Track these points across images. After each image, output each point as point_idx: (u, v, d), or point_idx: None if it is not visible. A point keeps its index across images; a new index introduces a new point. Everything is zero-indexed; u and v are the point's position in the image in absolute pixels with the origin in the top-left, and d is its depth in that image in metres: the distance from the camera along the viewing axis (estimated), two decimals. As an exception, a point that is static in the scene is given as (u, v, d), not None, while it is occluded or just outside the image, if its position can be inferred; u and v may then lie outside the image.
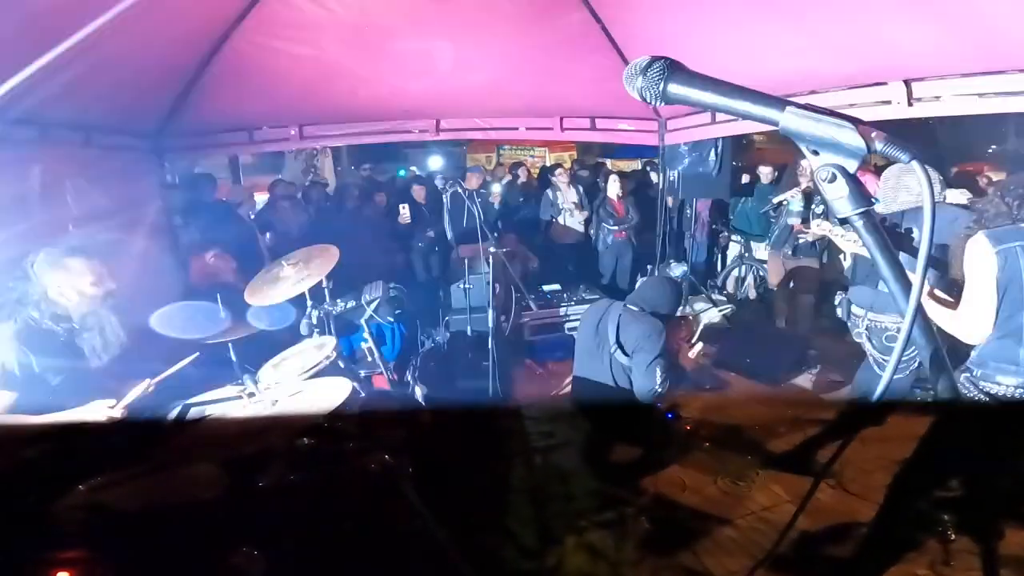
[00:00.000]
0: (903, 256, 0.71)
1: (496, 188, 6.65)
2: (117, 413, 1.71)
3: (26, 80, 2.12)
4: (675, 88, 0.68)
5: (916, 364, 2.74)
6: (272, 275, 3.07)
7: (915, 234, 2.57)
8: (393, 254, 5.89)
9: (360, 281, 4.40)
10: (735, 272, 6.34)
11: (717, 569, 2.43)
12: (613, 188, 6.19)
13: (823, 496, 2.66)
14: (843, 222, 0.94)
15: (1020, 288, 1.84)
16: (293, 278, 3.00)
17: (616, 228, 6.12)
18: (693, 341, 3.26)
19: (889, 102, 3.05)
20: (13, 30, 2.04)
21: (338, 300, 4.16)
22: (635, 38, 3.53)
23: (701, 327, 5.03)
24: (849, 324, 3.08)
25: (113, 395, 1.81)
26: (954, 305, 2.00)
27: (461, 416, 3.43)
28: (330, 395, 2.42)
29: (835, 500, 2.81)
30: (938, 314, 2.02)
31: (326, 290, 3.93)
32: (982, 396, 1.96)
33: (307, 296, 3.09)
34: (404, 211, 5.90)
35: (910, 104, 2.99)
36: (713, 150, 5.45)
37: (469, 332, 4.64)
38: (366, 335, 3.58)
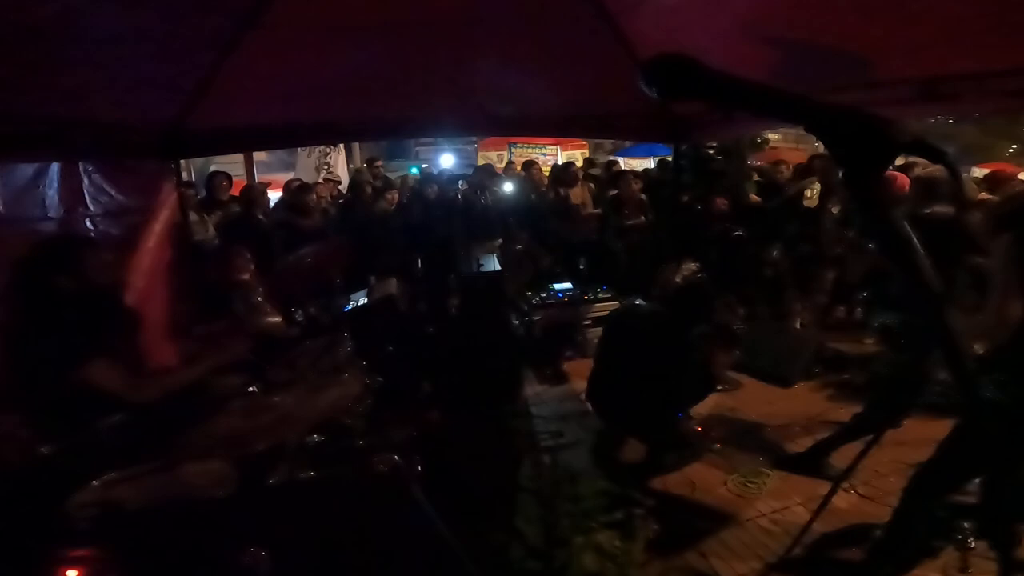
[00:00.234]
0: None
1: (508, 186, 6.65)
2: None
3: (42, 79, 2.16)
4: (691, 86, 0.65)
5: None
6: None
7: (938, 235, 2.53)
8: (405, 251, 5.91)
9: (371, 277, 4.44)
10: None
11: (725, 571, 2.42)
12: (625, 186, 6.16)
13: (834, 498, 2.63)
14: (869, 222, 0.92)
15: None
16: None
17: (629, 226, 6.08)
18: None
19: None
20: (28, 31, 2.06)
21: (350, 296, 4.21)
22: (647, 34, 3.50)
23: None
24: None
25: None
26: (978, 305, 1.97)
27: (470, 414, 3.45)
28: (341, 392, 2.45)
29: (846, 502, 2.79)
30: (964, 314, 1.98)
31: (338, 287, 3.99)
32: (1001, 398, 1.92)
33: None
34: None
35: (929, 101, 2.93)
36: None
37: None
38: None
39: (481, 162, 11.53)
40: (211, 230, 5.09)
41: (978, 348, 1.96)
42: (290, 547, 0.91)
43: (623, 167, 8.60)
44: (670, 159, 6.06)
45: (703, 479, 3.10)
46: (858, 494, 2.86)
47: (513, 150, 13.24)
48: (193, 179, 7.53)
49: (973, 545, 2.33)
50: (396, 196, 6.46)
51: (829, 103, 0.62)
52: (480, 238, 5.57)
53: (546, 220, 6.29)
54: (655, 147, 12.18)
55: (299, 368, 2.78)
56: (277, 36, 3.19)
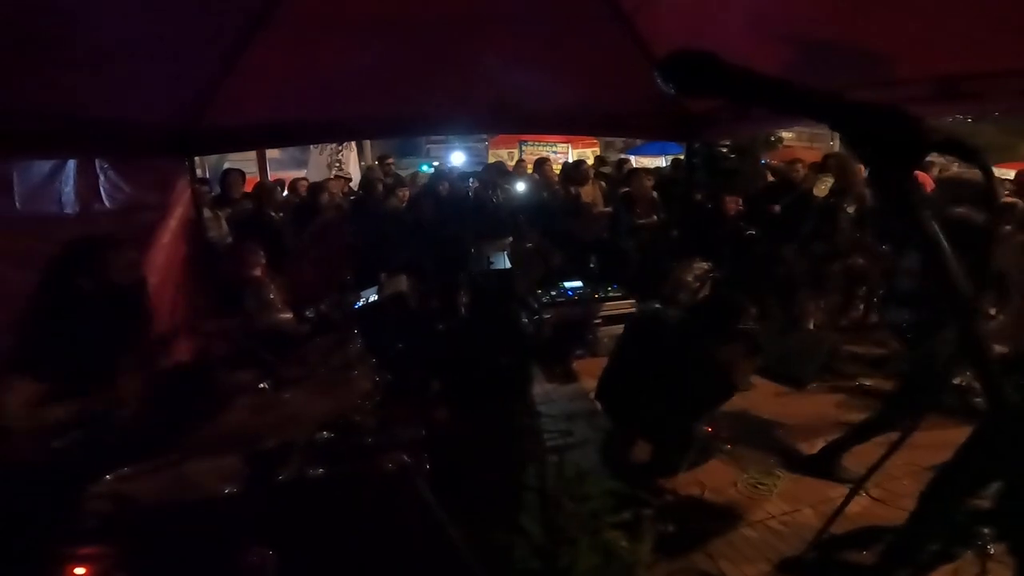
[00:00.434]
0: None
1: (520, 184, 6.65)
2: None
3: (59, 77, 2.19)
4: (710, 81, 0.63)
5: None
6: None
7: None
8: (416, 248, 5.93)
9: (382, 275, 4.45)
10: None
11: (733, 573, 2.40)
12: (638, 184, 6.12)
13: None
14: (895, 223, 0.90)
15: None
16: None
17: (641, 224, 6.05)
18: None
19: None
20: (45, 30, 2.09)
21: (361, 293, 4.24)
22: (660, 32, 3.48)
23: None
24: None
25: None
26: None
27: (479, 412, 3.44)
28: (351, 389, 2.47)
29: (858, 505, 2.75)
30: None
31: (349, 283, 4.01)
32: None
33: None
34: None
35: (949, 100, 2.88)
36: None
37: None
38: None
39: (492, 160, 11.53)
40: (224, 227, 5.14)
41: (1001, 350, 1.93)
42: (296, 545, 0.91)
43: (634, 165, 8.55)
44: (683, 157, 6.01)
45: (713, 480, 3.08)
46: (870, 497, 2.82)
47: (524, 148, 13.23)
48: (208, 176, 7.61)
49: (992, 551, 2.29)
50: (407, 193, 6.48)
51: (856, 99, 0.60)
52: (490, 236, 5.57)
53: (557, 218, 6.27)
54: (667, 145, 12.11)
55: (309, 365, 2.81)
56: (289, 34, 3.21)
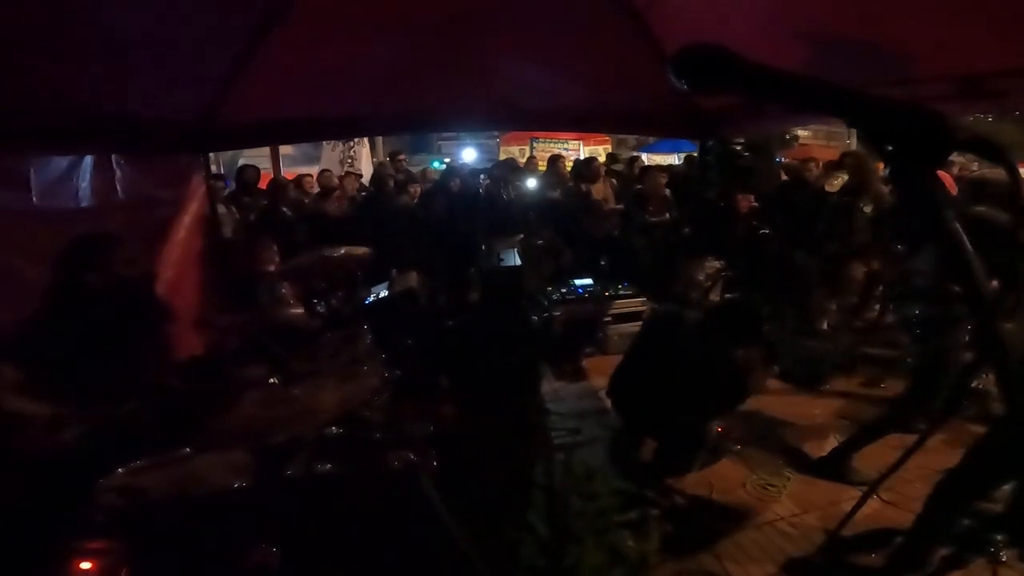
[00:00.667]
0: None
1: (530, 181, 6.64)
2: None
3: (76, 74, 2.22)
4: (724, 77, 0.62)
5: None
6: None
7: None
8: (426, 245, 5.95)
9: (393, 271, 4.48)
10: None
11: (739, 574, 2.39)
12: (651, 182, 6.09)
13: (854, 502, 2.58)
14: (913, 222, 0.88)
15: None
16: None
17: (653, 223, 6.01)
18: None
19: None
20: (61, 28, 2.12)
21: (371, 289, 4.26)
22: (673, 29, 3.45)
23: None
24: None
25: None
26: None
27: (488, 409, 3.45)
28: (360, 385, 2.48)
29: (868, 507, 2.71)
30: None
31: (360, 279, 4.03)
32: None
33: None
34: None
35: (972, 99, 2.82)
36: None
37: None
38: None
39: (503, 157, 11.52)
40: (239, 222, 5.19)
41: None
42: (300, 541, 0.92)
43: (646, 163, 8.49)
44: (696, 155, 5.96)
45: (722, 480, 3.06)
46: (882, 500, 2.79)
47: (535, 145, 13.19)
48: (223, 172, 7.69)
49: (1004, 558, 2.26)
50: (418, 190, 6.50)
51: (877, 96, 0.58)
52: (501, 233, 5.57)
53: (568, 215, 6.25)
54: (680, 143, 12.02)
55: (319, 360, 2.83)
56: (303, 31, 3.23)
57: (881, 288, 5.24)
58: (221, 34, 3.07)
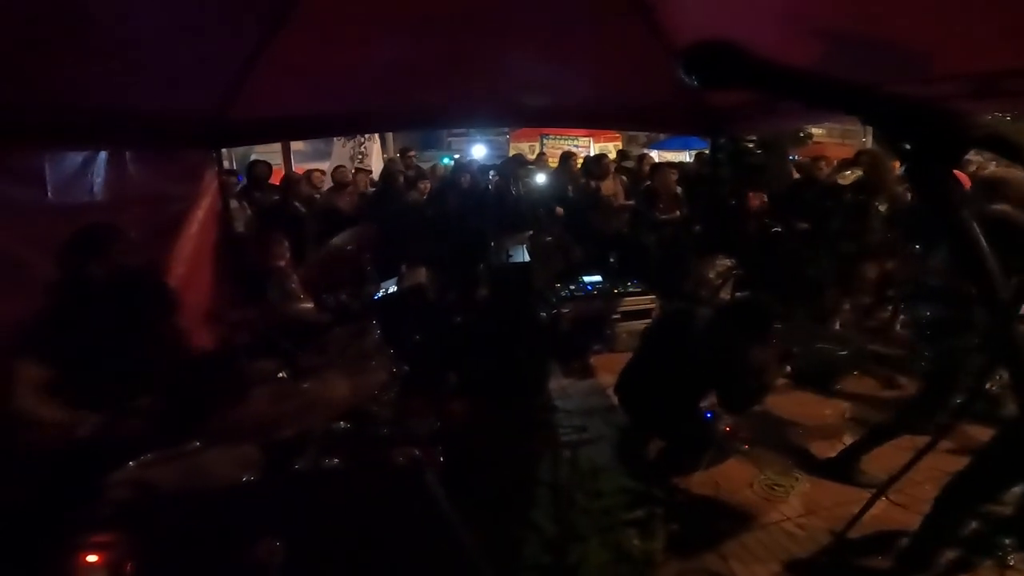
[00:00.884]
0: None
1: (540, 177, 6.62)
2: None
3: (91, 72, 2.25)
4: (735, 73, 0.61)
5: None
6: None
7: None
8: (436, 241, 5.97)
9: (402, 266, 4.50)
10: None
11: (744, 574, 2.38)
12: (661, 179, 6.05)
13: (861, 504, 2.56)
14: (928, 221, 0.86)
15: None
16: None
17: (663, 220, 5.98)
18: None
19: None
20: (75, 26, 2.15)
21: (380, 284, 4.29)
22: (683, 25, 3.42)
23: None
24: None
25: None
26: None
27: (495, 406, 3.47)
28: (368, 380, 2.51)
29: (876, 508, 2.67)
30: None
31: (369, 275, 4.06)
32: None
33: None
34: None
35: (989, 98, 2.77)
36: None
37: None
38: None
39: (513, 152, 11.50)
40: (250, 217, 5.24)
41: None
42: (303, 536, 0.94)
43: (656, 160, 8.43)
44: (706, 152, 5.91)
45: (728, 480, 3.05)
46: (890, 501, 2.76)
47: (545, 141, 13.16)
48: (235, 167, 7.75)
49: (1012, 562, 2.23)
50: (428, 186, 6.51)
51: (893, 92, 0.57)
52: (510, 229, 5.57)
53: (577, 212, 6.24)
54: (691, 140, 11.95)
55: (328, 354, 2.86)
56: (315, 28, 3.25)
57: (895, 288, 5.18)
58: (233, 31, 3.09)
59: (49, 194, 2.56)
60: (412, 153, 7.90)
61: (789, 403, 3.92)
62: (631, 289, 5.19)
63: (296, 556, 0.88)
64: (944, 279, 2.71)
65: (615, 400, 3.50)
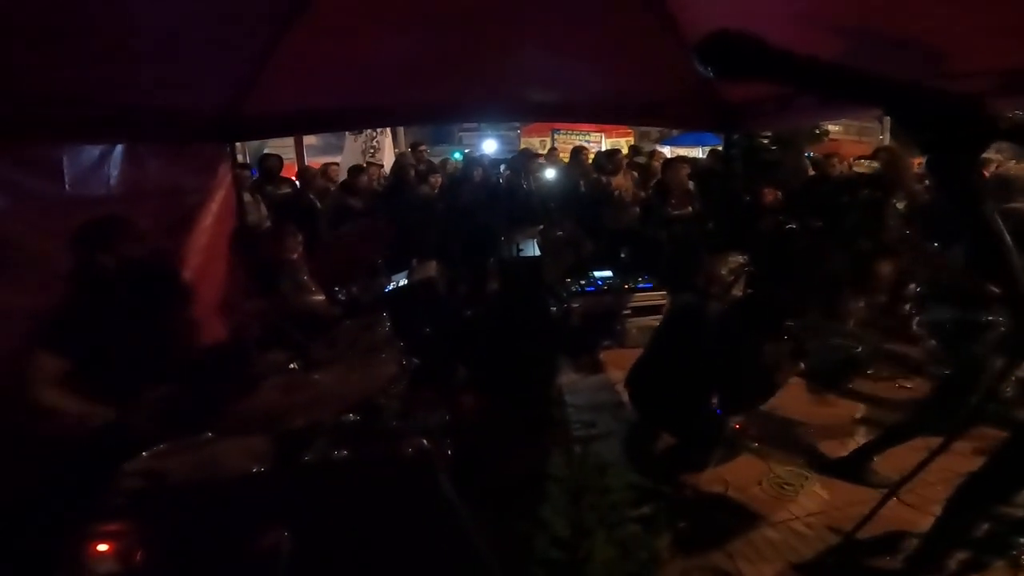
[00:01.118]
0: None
1: (551, 172, 6.60)
2: None
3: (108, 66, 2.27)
4: (752, 64, 0.60)
5: None
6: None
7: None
8: (446, 235, 5.98)
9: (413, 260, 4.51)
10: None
11: (750, 573, 2.37)
12: (674, 175, 6.00)
13: (871, 504, 2.54)
14: (948, 216, 0.84)
15: None
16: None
17: (675, 216, 5.93)
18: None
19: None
20: (92, 21, 2.17)
21: (391, 277, 4.31)
22: (697, 19, 3.38)
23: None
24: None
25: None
26: None
27: (504, 400, 3.48)
28: (378, 372, 2.52)
29: (887, 508, 2.66)
30: None
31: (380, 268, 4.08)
32: None
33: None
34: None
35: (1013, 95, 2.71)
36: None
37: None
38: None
39: (523, 147, 11.46)
40: (263, 210, 5.28)
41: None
42: (311, 527, 0.95)
43: (668, 156, 8.37)
44: (719, 148, 5.86)
45: (737, 477, 3.04)
46: (901, 502, 2.74)
47: (556, 136, 13.12)
48: (248, 161, 7.81)
49: (1026, 563, 2.21)
50: (439, 180, 6.52)
51: (914, 82, 0.56)
52: (521, 223, 5.57)
53: (588, 207, 6.21)
54: (703, 136, 11.83)
55: (339, 347, 2.88)
56: (328, 22, 3.26)
57: (911, 287, 5.10)
58: (247, 25, 3.11)
59: (67, 187, 2.60)
60: (423, 147, 7.91)
61: (801, 401, 3.89)
62: (642, 285, 5.16)
63: (305, 546, 0.89)
64: (963, 277, 2.67)
65: (624, 396, 3.50)
